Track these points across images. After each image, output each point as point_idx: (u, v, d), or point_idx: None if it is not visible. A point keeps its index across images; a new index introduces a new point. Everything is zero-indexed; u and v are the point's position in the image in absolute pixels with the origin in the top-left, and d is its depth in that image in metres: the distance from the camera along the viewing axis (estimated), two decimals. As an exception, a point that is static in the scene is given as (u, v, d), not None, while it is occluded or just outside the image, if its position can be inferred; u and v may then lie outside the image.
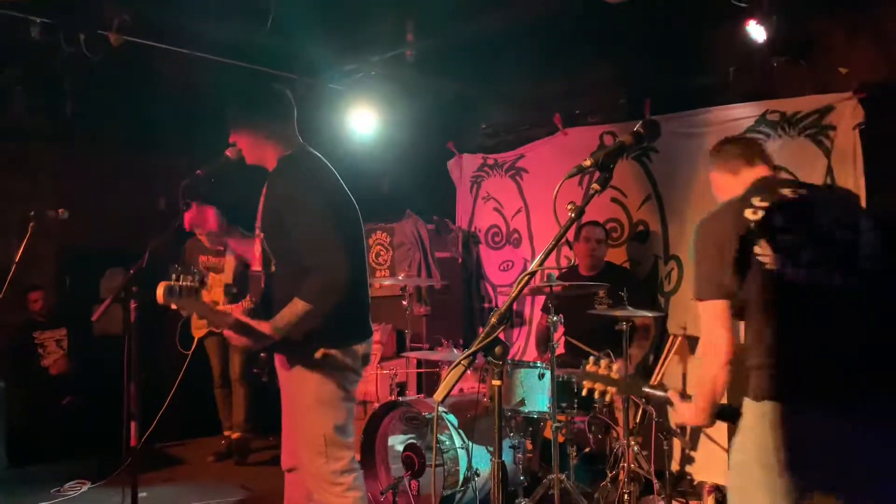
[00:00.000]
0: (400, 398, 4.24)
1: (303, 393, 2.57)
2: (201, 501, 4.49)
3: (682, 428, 4.56)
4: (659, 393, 2.24)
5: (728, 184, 2.22)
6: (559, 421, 3.69)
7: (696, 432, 4.53)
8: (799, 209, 1.97)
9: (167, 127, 5.76)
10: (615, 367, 2.27)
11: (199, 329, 5.37)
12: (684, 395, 2.15)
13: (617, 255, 5.15)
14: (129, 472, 2.54)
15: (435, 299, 5.65)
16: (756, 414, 1.91)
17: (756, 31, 4.29)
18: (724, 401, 2.04)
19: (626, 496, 3.65)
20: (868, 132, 4.14)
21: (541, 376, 3.81)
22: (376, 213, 6.01)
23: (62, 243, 5.83)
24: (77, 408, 5.57)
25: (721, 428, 4.15)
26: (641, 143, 1.86)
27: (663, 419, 4.08)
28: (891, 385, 1.88)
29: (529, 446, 4.04)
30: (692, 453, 4.52)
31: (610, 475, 3.91)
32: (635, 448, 3.83)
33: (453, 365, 1.61)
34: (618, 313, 3.76)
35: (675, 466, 4.46)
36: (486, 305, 6.09)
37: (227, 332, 2.49)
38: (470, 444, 3.84)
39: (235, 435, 5.51)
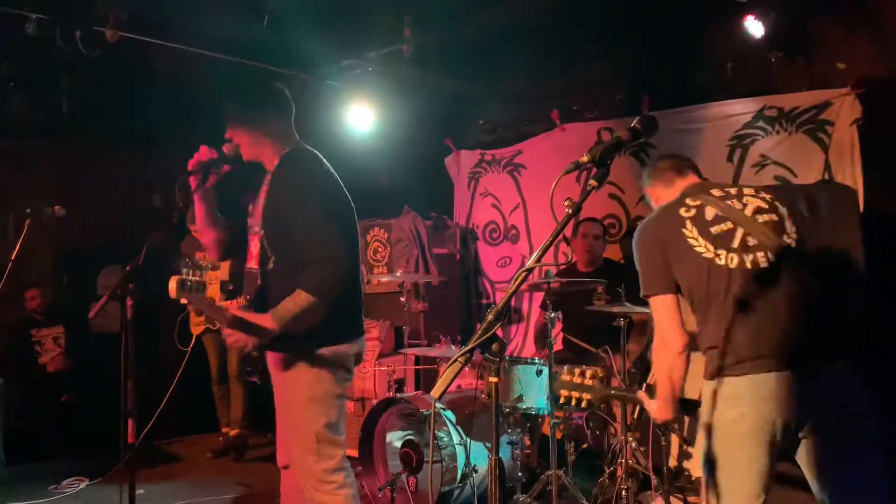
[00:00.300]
0: (398, 395, 4.24)
1: (295, 391, 2.57)
2: (199, 498, 4.49)
3: (680, 423, 4.57)
4: (628, 395, 2.43)
5: (664, 194, 2.45)
6: (557, 417, 3.69)
7: (694, 427, 4.54)
8: (726, 203, 2.20)
9: (164, 123, 5.74)
10: (588, 373, 2.33)
11: (197, 326, 5.37)
12: (653, 394, 2.27)
13: (615, 252, 5.15)
14: (127, 469, 2.53)
15: (433, 296, 5.65)
16: (710, 391, 2.10)
17: (754, 27, 4.29)
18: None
19: (623, 492, 3.65)
20: (866, 128, 4.14)
21: (539, 373, 3.81)
22: (374, 210, 6.01)
23: (59, 241, 5.81)
24: (75, 405, 5.57)
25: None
26: (638, 139, 1.86)
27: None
28: (822, 347, 2.06)
29: (528, 442, 4.04)
30: (690, 449, 4.52)
31: (608, 471, 3.92)
32: (633, 444, 3.84)
33: (450, 362, 1.61)
34: (616, 309, 3.76)
35: (672, 462, 4.46)
36: (484, 302, 6.10)
37: (226, 331, 2.48)
38: (468, 440, 3.84)
39: (233, 432, 5.51)
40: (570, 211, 1.72)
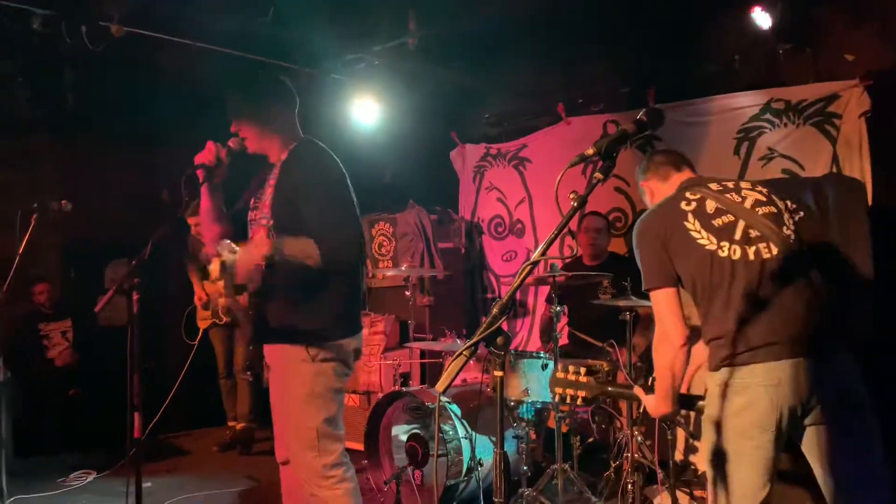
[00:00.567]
0: (403, 388, 4.24)
1: (295, 387, 2.57)
2: (206, 491, 4.51)
3: (686, 417, 4.56)
4: (624, 391, 2.42)
5: (660, 189, 2.48)
6: (563, 411, 3.69)
7: (700, 422, 4.53)
8: (725, 196, 2.23)
9: (169, 118, 5.75)
10: (583, 371, 2.33)
11: (203, 320, 5.39)
12: (649, 389, 2.28)
13: (621, 245, 5.14)
14: (134, 462, 2.54)
15: (438, 290, 5.65)
16: (716, 382, 2.11)
17: (761, 19, 4.26)
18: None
19: (629, 486, 3.65)
20: (874, 120, 4.11)
21: (544, 366, 3.81)
22: (379, 204, 6.01)
23: (66, 235, 5.83)
24: (82, 399, 5.60)
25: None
26: (644, 131, 1.86)
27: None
28: (828, 337, 2.08)
29: (533, 436, 4.04)
30: (696, 443, 4.52)
31: (614, 465, 3.92)
32: (639, 438, 3.83)
33: (455, 356, 1.61)
34: (621, 303, 3.75)
35: (678, 456, 4.45)
36: (489, 295, 6.09)
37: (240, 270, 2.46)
38: (473, 434, 3.85)
39: (240, 425, 5.53)
40: (575, 204, 1.72)
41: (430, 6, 4.79)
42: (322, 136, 2.79)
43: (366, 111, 5.77)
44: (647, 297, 4.04)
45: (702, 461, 4.42)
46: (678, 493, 3.73)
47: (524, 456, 3.86)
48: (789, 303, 2.08)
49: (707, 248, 2.16)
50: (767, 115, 4.55)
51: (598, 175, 1.76)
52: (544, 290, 5.32)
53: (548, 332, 4.78)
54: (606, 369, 3.89)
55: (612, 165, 1.76)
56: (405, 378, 5.09)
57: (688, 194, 2.27)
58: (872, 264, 2.46)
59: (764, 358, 2.03)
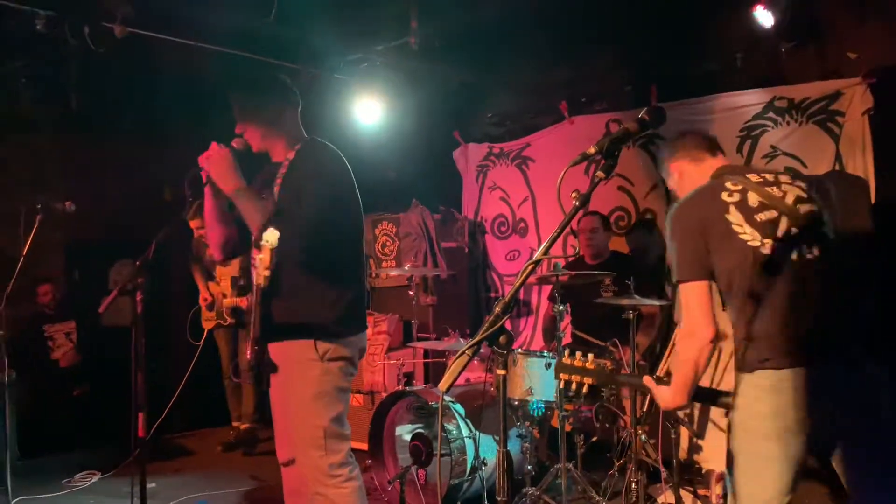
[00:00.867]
0: (407, 388, 4.25)
1: (303, 387, 2.57)
2: (210, 491, 4.52)
3: (690, 416, 4.56)
4: (634, 380, 2.33)
5: (690, 172, 2.33)
6: (566, 410, 3.69)
7: (704, 420, 4.52)
8: (766, 189, 2.11)
9: (173, 118, 5.76)
10: (591, 357, 2.28)
11: (208, 321, 5.40)
12: (660, 380, 2.20)
13: (624, 244, 5.13)
14: (138, 462, 2.55)
15: (441, 289, 5.65)
16: (750, 384, 2.02)
17: (764, 17, 4.25)
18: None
19: (633, 485, 3.65)
20: (877, 118, 4.10)
21: (547, 366, 3.81)
22: (382, 204, 6.01)
23: (70, 236, 5.84)
24: (87, 399, 5.61)
25: (729, 416, 4.14)
26: (646, 130, 1.85)
27: (671, 408, 4.06)
28: (856, 342, 2.02)
29: (537, 435, 4.04)
30: (700, 442, 4.51)
31: (617, 464, 3.91)
32: (643, 437, 3.83)
33: (457, 355, 1.61)
34: (624, 302, 3.75)
35: (682, 455, 4.45)
36: (493, 295, 6.09)
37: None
38: (477, 433, 3.85)
39: (244, 425, 5.55)
40: (577, 203, 1.72)
41: (432, 6, 4.79)
42: (325, 136, 2.80)
43: (368, 111, 5.78)
44: (650, 296, 4.05)
45: (707, 460, 4.41)
46: (682, 492, 3.73)
47: (528, 455, 3.86)
48: (829, 306, 2.02)
49: (749, 244, 2.04)
50: (770, 114, 4.54)
51: (600, 174, 1.76)
52: (548, 289, 5.32)
53: (551, 332, 4.78)
54: (610, 368, 3.89)
55: (614, 164, 1.75)
56: (409, 377, 5.10)
57: (729, 184, 2.13)
58: (876, 262, 2.45)
59: (803, 362, 1.96)
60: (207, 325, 5.36)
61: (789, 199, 2.10)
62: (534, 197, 5.83)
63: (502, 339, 1.63)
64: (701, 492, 4.02)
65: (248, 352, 2.45)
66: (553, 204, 5.58)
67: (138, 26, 4.55)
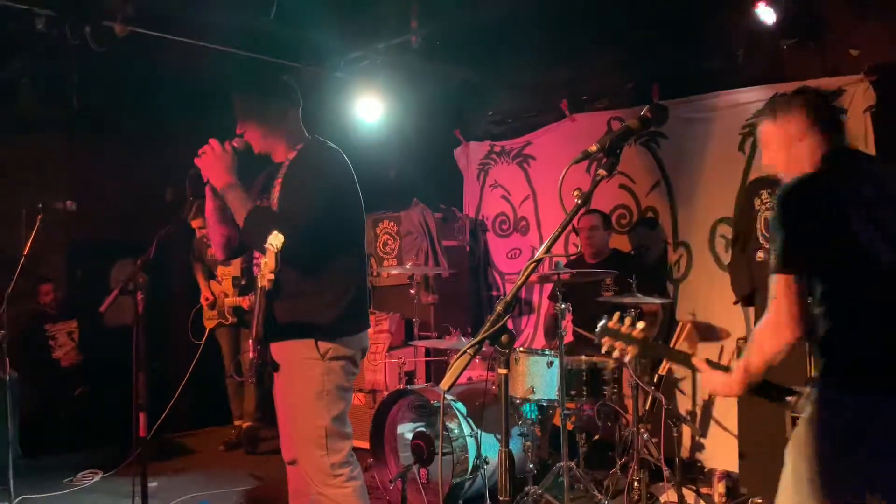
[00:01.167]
0: (408, 387, 4.24)
1: (305, 386, 2.57)
2: (212, 490, 4.52)
3: (692, 414, 4.56)
4: (681, 357, 2.16)
5: (797, 144, 2.03)
6: (568, 408, 3.68)
7: (706, 419, 4.52)
8: (879, 184, 1.90)
9: (173, 117, 5.76)
10: (639, 325, 2.16)
11: (210, 320, 5.40)
12: (714, 364, 2.03)
13: (625, 242, 5.13)
14: (140, 461, 2.55)
15: (442, 288, 5.65)
16: (837, 403, 1.81)
17: (765, 14, 4.23)
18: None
19: (635, 483, 3.65)
20: (879, 115, 4.09)
21: (549, 364, 3.81)
22: (383, 203, 6.00)
23: (72, 235, 5.85)
24: (89, 399, 5.62)
25: (731, 415, 4.13)
26: (648, 127, 1.83)
27: (673, 406, 4.07)
28: None
29: (539, 434, 4.04)
30: (702, 440, 4.51)
31: (619, 462, 3.91)
32: (645, 435, 3.83)
33: (459, 354, 1.61)
34: (626, 300, 3.75)
35: (685, 453, 4.46)
36: (494, 293, 6.09)
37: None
38: (479, 431, 3.85)
39: (246, 424, 5.55)
40: (579, 201, 1.71)
41: (433, 4, 4.79)
42: (325, 134, 2.79)
43: (369, 109, 5.77)
44: (651, 294, 4.05)
45: (709, 458, 4.39)
46: (684, 491, 3.73)
47: (530, 454, 3.86)
48: None
49: (864, 245, 1.82)
50: (772, 111, 4.52)
51: (602, 172, 1.74)
52: (549, 287, 5.32)
53: (552, 330, 4.77)
54: (612, 366, 3.90)
55: (616, 162, 1.74)
56: (410, 376, 5.10)
57: (853, 175, 1.92)
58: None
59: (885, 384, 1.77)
60: (209, 325, 5.37)
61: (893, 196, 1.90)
62: (535, 195, 5.82)
63: (504, 337, 1.62)
64: (703, 490, 4.03)
65: (252, 351, 2.44)
66: (554, 202, 5.57)
67: (139, 26, 4.55)
